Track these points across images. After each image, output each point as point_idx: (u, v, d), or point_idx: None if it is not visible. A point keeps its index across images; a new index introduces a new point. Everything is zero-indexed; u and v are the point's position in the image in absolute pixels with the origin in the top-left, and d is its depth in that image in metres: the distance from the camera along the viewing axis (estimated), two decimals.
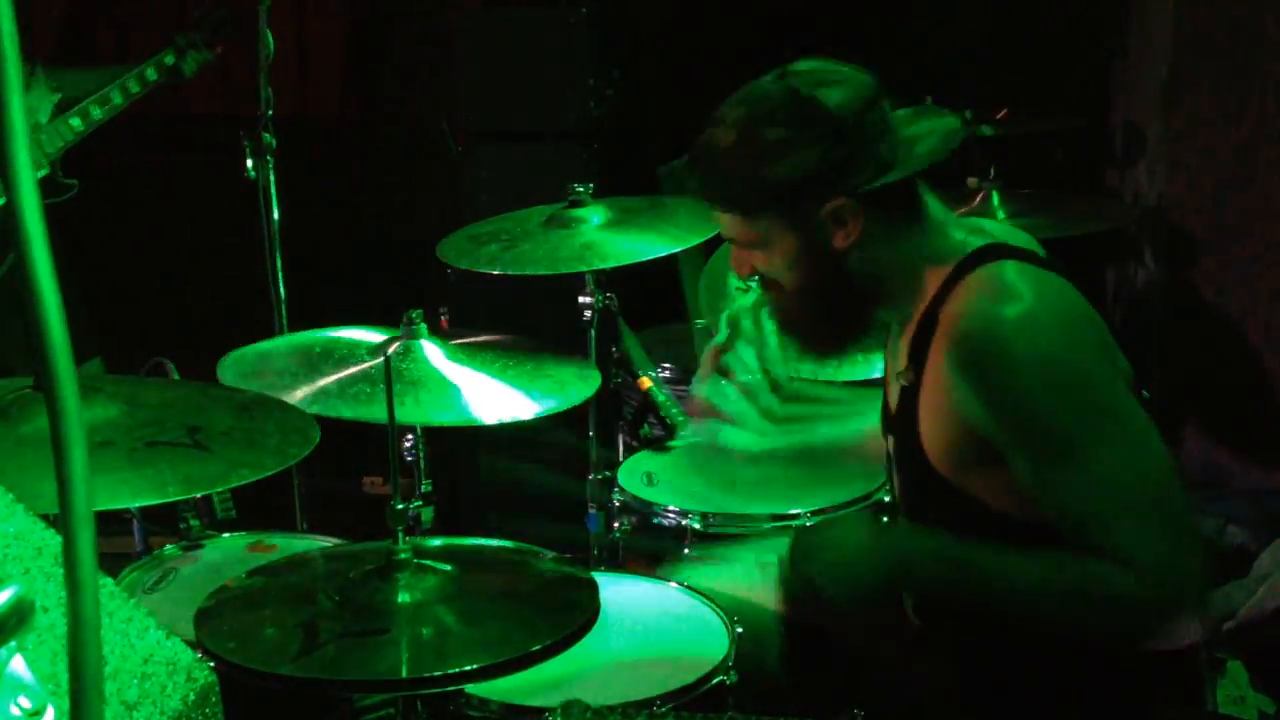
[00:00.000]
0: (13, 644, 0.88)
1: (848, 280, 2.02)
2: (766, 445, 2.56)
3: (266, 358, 2.67)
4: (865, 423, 2.50)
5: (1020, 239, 2.08)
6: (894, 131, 2.00)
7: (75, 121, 3.69)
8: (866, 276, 2.03)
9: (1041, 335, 1.87)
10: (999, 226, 2.16)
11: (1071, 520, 1.87)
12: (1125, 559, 1.83)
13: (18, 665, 0.90)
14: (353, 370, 2.55)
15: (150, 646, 1.02)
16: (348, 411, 2.43)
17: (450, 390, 2.52)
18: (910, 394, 2.03)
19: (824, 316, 2.10)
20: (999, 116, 4.23)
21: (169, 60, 3.86)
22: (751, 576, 2.47)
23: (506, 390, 2.57)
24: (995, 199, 3.76)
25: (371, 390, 2.47)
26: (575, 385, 2.68)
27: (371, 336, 2.69)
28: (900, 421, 2.08)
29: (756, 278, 2.11)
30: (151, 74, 3.85)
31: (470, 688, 2.14)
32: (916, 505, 2.14)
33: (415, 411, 2.47)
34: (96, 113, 3.76)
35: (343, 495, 4.68)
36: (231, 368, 2.61)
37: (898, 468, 2.16)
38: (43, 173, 3.71)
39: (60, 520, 0.75)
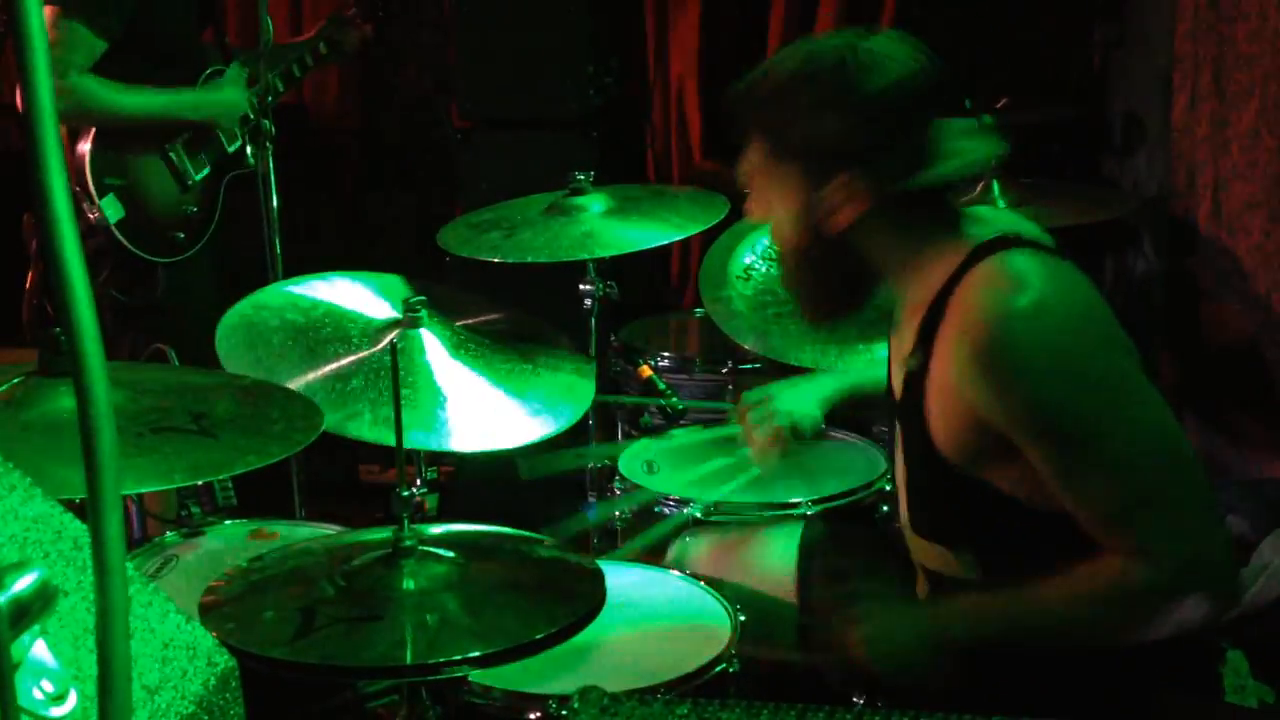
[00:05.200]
0: (35, 628, 0.88)
1: (836, 254, 2.04)
2: None
3: (264, 333, 2.64)
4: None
5: (1028, 229, 2.08)
6: (936, 138, 1.98)
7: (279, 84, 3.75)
8: (857, 257, 2.04)
9: (1053, 327, 1.87)
10: (1007, 217, 2.16)
11: (1088, 512, 1.88)
12: (1140, 549, 1.85)
13: (40, 650, 0.90)
14: (351, 359, 2.54)
15: (170, 631, 1.02)
16: (354, 429, 2.43)
17: (438, 402, 2.52)
18: (917, 379, 2.03)
19: (813, 281, 2.12)
20: (998, 106, 4.24)
21: (335, 35, 4.08)
22: (763, 564, 2.48)
23: (499, 403, 2.58)
24: (995, 188, 3.76)
25: (373, 388, 2.48)
26: (572, 395, 2.70)
27: (373, 304, 2.69)
28: (906, 408, 2.08)
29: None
30: (323, 49, 4.05)
31: (474, 675, 2.14)
32: (923, 492, 2.14)
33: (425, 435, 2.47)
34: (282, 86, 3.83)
35: (340, 483, 4.68)
36: (228, 338, 2.60)
37: (905, 454, 2.16)
38: (235, 145, 3.78)
39: (88, 505, 0.75)
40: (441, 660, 1.80)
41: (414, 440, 2.47)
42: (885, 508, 2.84)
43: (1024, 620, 1.96)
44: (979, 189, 3.76)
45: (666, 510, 2.87)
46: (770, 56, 2.08)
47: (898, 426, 2.16)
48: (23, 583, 0.82)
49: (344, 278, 2.79)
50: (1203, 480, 1.90)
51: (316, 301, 2.72)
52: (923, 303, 2.02)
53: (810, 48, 2.01)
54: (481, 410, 2.57)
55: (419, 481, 2.68)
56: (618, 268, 3.25)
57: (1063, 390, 1.86)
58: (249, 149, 3.57)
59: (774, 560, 2.60)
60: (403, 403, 2.36)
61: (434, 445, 2.50)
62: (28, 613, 0.81)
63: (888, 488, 2.83)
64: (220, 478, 2.57)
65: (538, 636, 1.84)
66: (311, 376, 2.51)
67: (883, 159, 1.96)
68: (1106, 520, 1.87)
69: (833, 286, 2.11)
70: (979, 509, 2.00)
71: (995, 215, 2.13)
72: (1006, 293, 1.89)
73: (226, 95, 3.68)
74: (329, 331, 2.63)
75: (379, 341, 2.58)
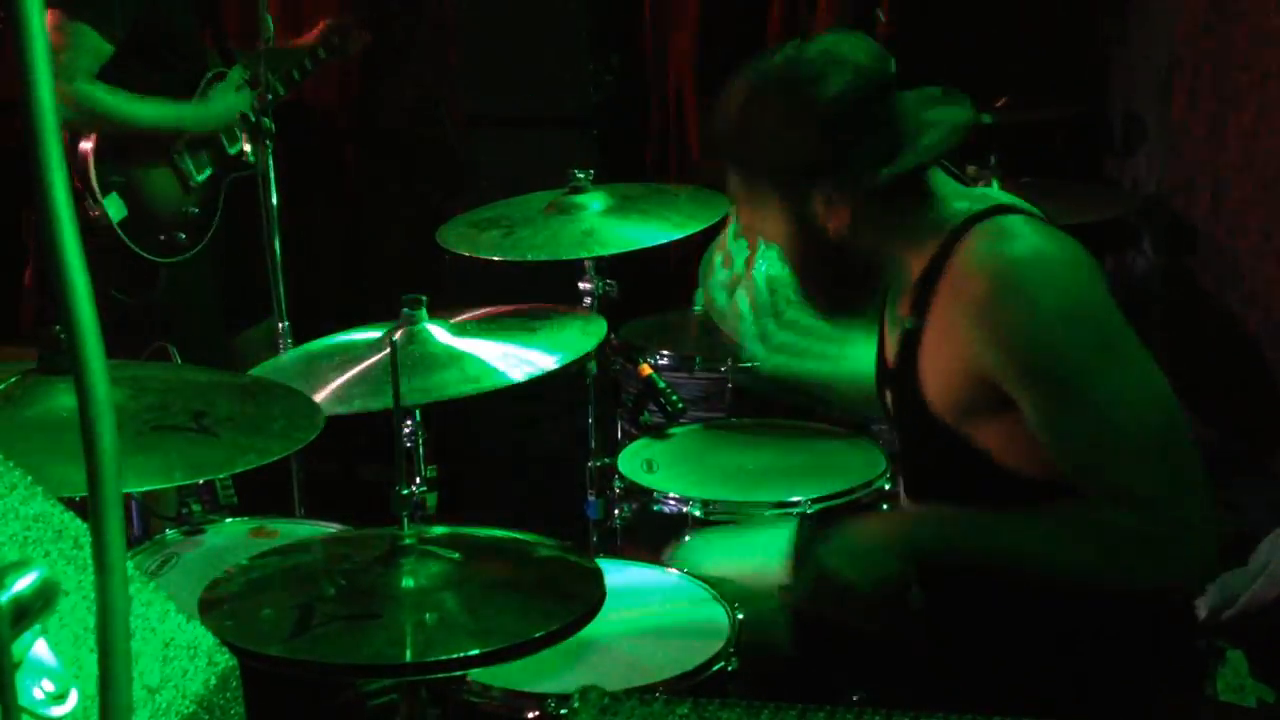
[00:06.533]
0: (36, 627, 0.87)
1: (841, 257, 2.05)
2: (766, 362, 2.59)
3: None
4: (852, 366, 2.50)
5: (1022, 204, 2.09)
6: (900, 120, 2.00)
7: (280, 88, 3.74)
8: (861, 254, 2.05)
9: (1049, 272, 1.90)
10: (1001, 194, 2.16)
11: (1075, 461, 1.88)
12: (1126, 496, 1.85)
13: (41, 649, 0.90)
14: (360, 368, 2.52)
15: (171, 630, 1.02)
16: (359, 404, 2.41)
17: (465, 360, 2.50)
18: (912, 339, 2.04)
19: (823, 284, 2.14)
20: (998, 104, 4.24)
21: (334, 40, 4.13)
22: (757, 559, 2.47)
23: (520, 350, 2.56)
24: (995, 187, 3.76)
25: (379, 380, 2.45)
26: (582, 338, 2.69)
27: (373, 335, 2.67)
28: (900, 371, 2.09)
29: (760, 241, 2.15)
30: (322, 54, 4.10)
31: (473, 673, 2.14)
32: (918, 458, 2.15)
33: (432, 386, 2.43)
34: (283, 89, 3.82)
35: (339, 481, 4.68)
36: None
37: (898, 421, 2.17)
38: (235, 147, 3.78)
39: (89, 503, 0.74)
40: (440, 659, 1.79)
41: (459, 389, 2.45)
42: (885, 506, 2.84)
43: (996, 538, 1.95)
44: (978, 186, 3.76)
45: (666, 509, 2.87)
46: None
47: (889, 394, 2.17)
48: (23, 582, 0.81)
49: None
50: (1185, 435, 1.89)
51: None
52: (918, 272, 2.04)
53: (754, 71, 2.02)
54: (494, 356, 2.54)
55: (418, 480, 2.67)
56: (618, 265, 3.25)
57: (1059, 332, 1.87)
58: (248, 147, 3.57)
59: (767, 558, 2.59)
60: (426, 374, 2.35)
61: (454, 392, 2.46)
62: (28, 612, 0.81)
63: (887, 487, 2.84)
64: (221, 476, 2.57)
65: (537, 635, 1.84)
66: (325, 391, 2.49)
67: (853, 162, 1.97)
68: (1093, 465, 1.87)
69: (845, 284, 2.13)
70: (967, 472, 2.01)
71: (991, 193, 2.13)
72: (1002, 244, 1.92)
73: (222, 107, 3.70)
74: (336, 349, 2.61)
75: (384, 344, 2.56)
